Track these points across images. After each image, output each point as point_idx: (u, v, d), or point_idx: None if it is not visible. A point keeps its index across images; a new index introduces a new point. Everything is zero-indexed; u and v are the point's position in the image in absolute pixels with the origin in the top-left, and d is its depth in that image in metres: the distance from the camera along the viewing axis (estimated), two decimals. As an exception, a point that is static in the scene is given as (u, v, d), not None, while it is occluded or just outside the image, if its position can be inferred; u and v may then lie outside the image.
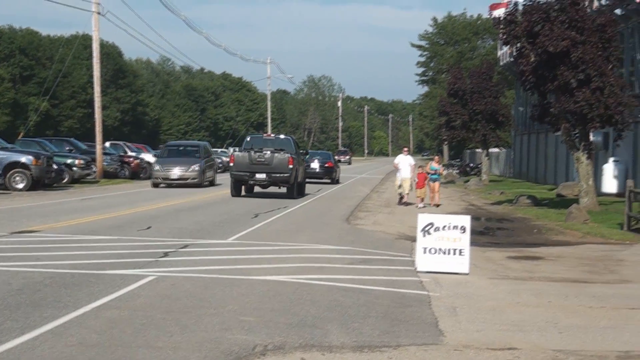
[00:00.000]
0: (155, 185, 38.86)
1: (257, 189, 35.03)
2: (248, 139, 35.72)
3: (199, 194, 34.55)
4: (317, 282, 12.54)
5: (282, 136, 37.26)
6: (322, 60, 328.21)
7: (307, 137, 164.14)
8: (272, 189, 34.81)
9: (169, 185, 38.74)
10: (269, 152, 32.83)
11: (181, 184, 38.71)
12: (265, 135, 38.68)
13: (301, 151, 37.39)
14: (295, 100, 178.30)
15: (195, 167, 39.18)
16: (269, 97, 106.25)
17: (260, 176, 32.67)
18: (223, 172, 63.53)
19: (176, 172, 38.81)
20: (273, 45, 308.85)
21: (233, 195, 33.10)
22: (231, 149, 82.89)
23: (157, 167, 39.54)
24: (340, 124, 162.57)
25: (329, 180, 48.99)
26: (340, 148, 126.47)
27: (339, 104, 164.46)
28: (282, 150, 33.30)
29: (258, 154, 32.74)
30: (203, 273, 13.12)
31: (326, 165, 49.47)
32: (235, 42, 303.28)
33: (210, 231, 19.87)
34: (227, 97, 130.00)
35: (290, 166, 32.51)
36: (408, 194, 31.05)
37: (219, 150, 79.48)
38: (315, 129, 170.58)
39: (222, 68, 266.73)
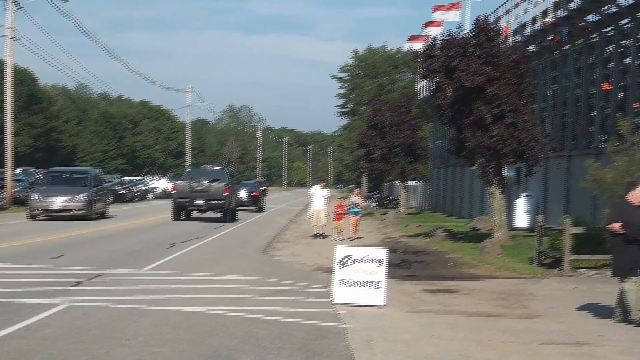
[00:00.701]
0: (33, 217, 34.01)
1: (195, 213, 38.79)
2: (188, 169, 40.95)
3: (114, 222, 33.95)
4: (232, 313, 12.41)
5: (217, 168, 42.24)
6: (242, 90, 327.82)
7: (227, 167, 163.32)
8: (209, 214, 38.77)
9: (51, 218, 34.10)
10: (206, 182, 37.36)
11: (64, 215, 33.98)
12: (203, 167, 42.77)
13: (234, 181, 42.34)
14: (215, 130, 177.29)
15: (82, 197, 34.41)
16: (188, 126, 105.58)
17: (199, 202, 37.15)
18: (140, 200, 62.80)
19: (58, 202, 34.00)
20: (193, 74, 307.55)
21: (174, 219, 37.20)
22: (147, 178, 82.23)
23: (34, 197, 34.33)
24: (260, 154, 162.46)
25: (255, 209, 52.89)
26: (258, 178, 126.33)
27: (259, 134, 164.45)
28: (217, 180, 37.65)
29: (197, 183, 37.30)
30: (116, 303, 12.87)
31: (253, 194, 53.30)
32: (155, 70, 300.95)
33: (125, 260, 19.53)
34: (145, 125, 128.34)
35: (226, 194, 37.20)
36: (324, 225, 30.88)
37: (136, 178, 78.44)
38: (235, 159, 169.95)
39: (141, 95, 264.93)
